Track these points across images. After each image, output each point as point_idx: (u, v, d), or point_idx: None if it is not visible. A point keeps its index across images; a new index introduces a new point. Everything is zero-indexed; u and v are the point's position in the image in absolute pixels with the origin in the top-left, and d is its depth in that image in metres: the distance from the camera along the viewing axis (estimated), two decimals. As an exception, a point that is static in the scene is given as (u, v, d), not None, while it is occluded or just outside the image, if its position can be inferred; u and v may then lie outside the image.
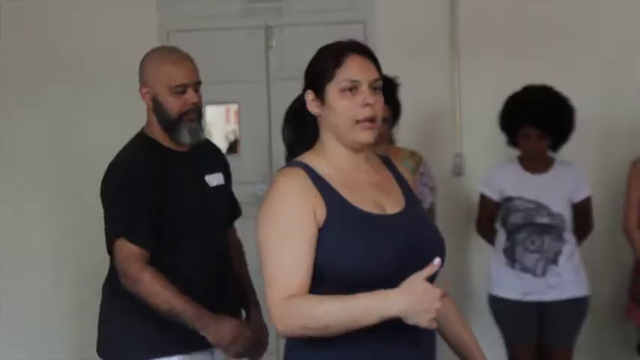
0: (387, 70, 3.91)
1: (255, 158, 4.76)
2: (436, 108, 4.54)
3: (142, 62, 2.52)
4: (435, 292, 1.64)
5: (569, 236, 3.60)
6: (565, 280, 3.56)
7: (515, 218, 3.59)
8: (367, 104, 1.83)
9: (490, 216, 3.74)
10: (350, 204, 1.82)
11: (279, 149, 5.14)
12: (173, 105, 2.42)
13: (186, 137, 2.44)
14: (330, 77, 1.85)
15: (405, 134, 3.93)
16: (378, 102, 1.86)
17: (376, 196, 1.88)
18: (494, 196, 3.68)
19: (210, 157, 2.57)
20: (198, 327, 2.24)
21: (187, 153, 2.48)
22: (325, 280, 1.76)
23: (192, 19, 4.79)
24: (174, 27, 4.79)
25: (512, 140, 3.70)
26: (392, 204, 1.89)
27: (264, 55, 4.77)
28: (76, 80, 4.78)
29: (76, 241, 4.80)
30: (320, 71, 1.87)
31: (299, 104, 1.95)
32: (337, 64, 1.85)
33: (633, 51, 4.35)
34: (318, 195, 1.80)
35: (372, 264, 1.74)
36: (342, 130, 1.85)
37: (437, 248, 1.86)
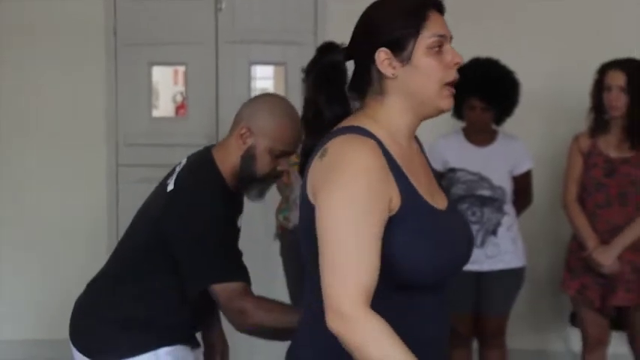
0: (337, 37, 3.93)
1: (202, 120, 4.72)
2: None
3: (258, 102, 2.35)
4: None
5: (508, 208, 3.66)
6: (503, 250, 3.63)
7: (458, 189, 3.64)
8: (457, 63, 1.63)
9: (433, 186, 3.78)
10: (418, 194, 1.60)
11: (226, 111, 5.15)
12: (265, 166, 2.29)
13: (252, 197, 2.36)
14: (417, 31, 1.60)
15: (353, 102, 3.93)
16: (462, 59, 1.65)
17: (429, 184, 1.68)
18: (438, 167, 3.72)
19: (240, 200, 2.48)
20: None
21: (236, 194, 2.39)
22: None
23: (140, -22, 4.71)
24: (122, -16, 4.71)
25: (458, 112, 3.73)
26: (439, 195, 1.70)
27: (213, 17, 4.71)
28: (23, 47, 4.68)
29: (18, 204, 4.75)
30: (404, 25, 1.60)
31: (330, 67, 1.73)
32: (424, 16, 1.61)
33: (581, 29, 4.41)
34: (392, 178, 1.55)
35: (434, 267, 1.57)
36: (427, 94, 1.62)
37: (470, 250, 1.71)
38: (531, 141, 3.99)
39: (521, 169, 3.71)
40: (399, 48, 1.61)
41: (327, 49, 4.20)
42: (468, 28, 4.37)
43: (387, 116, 1.64)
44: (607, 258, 3.44)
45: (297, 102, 4.14)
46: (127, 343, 2.31)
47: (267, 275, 4.34)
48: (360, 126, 1.61)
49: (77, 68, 4.71)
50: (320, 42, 4.24)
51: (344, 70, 1.70)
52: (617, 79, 3.44)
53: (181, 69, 4.99)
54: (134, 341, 2.31)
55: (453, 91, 1.64)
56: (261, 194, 2.36)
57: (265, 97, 2.44)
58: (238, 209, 2.41)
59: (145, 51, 4.73)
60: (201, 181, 2.27)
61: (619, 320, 3.58)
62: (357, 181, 1.49)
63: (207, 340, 2.63)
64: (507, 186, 3.65)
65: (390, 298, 1.53)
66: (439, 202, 1.67)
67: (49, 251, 4.73)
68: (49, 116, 4.74)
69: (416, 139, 1.76)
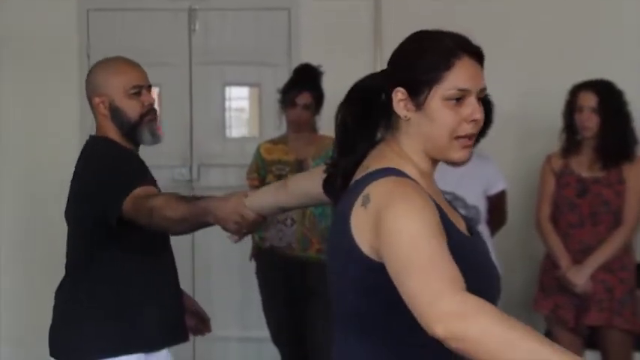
0: (310, 59, 3.97)
1: (175, 142, 4.70)
2: (358, 98, 4.57)
3: (90, 75, 2.49)
4: None
5: (483, 228, 3.68)
6: (478, 270, 3.65)
7: (432, 209, 3.65)
8: (474, 120, 1.54)
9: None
10: (457, 228, 1.57)
11: (201, 133, 5.13)
12: (132, 108, 2.42)
13: (148, 139, 2.45)
14: (435, 80, 1.52)
15: (325, 121, 3.95)
16: (482, 116, 1.56)
17: (454, 215, 1.63)
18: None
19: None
20: (211, 221, 2.09)
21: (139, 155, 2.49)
22: None
23: (113, -2, 4.70)
24: (94, 6, 4.69)
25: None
26: (462, 224, 1.64)
27: (187, 39, 4.71)
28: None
29: None
30: (424, 69, 1.53)
31: (369, 91, 1.62)
32: (448, 65, 1.52)
33: (553, 51, 4.46)
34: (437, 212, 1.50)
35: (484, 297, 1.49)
36: (436, 142, 1.55)
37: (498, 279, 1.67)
38: (505, 161, 4.02)
39: (495, 190, 3.74)
40: (415, 92, 1.54)
41: (304, 71, 4.24)
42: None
43: (409, 155, 1.59)
44: (580, 277, 3.47)
45: (272, 122, 4.15)
46: (94, 344, 2.32)
47: (243, 295, 4.33)
48: (392, 167, 1.55)
49: (50, 90, 4.68)
50: (294, 63, 4.26)
51: (376, 97, 1.62)
52: (589, 100, 3.49)
53: (155, 90, 4.97)
54: (108, 343, 2.32)
55: (469, 143, 1.56)
56: (153, 136, 2.45)
57: (90, 70, 2.55)
58: (147, 168, 2.49)
59: (119, 72, 4.71)
60: (92, 149, 2.45)
61: (592, 339, 3.60)
62: (418, 207, 1.43)
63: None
64: (481, 205, 3.67)
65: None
66: (462, 228, 1.62)
67: (22, 270, 4.67)
68: (21, 137, 4.70)
69: None
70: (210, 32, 4.71)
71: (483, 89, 1.57)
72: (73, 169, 4.73)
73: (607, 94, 3.49)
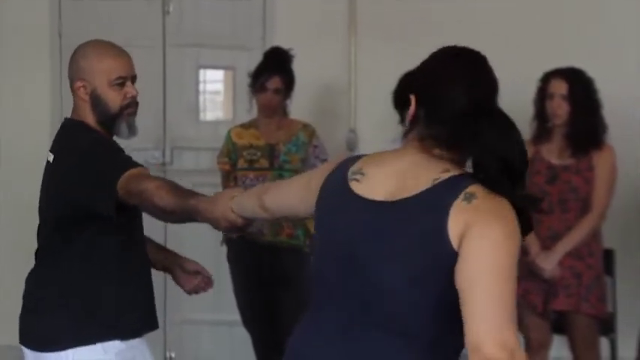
0: (285, 43, 3.96)
1: (148, 124, 4.67)
2: (332, 83, 4.57)
3: (74, 56, 2.42)
4: None
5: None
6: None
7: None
8: None
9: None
10: None
11: (174, 115, 5.09)
12: (114, 99, 2.37)
13: (124, 132, 2.41)
14: None
15: (300, 107, 3.96)
16: None
17: None
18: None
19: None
20: (199, 221, 2.12)
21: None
22: None
23: (86, -20, 4.66)
24: (67, -14, 4.65)
25: (405, 118, 3.76)
26: None
27: (161, 21, 4.68)
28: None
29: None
30: None
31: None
32: None
33: (524, 41, 4.47)
34: None
35: None
36: None
37: None
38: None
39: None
40: None
41: (274, 55, 4.21)
42: (417, 35, 4.43)
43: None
44: (548, 263, 3.51)
45: (245, 106, 4.14)
46: (70, 332, 2.31)
47: (215, 278, 4.33)
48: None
49: (21, 71, 4.64)
50: (269, 47, 4.24)
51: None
52: (560, 87, 3.52)
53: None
54: (77, 330, 2.32)
55: None
56: (130, 129, 2.41)
57: (76, 49, 2.46)
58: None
59: (91, 53, 4.67)
60: (72, 134, 2.39)
61: (560, 324, 3.65)
62: (517, 237, 1.60)
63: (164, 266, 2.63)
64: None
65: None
66: None
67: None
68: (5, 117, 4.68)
69: None
70: (184, 14, 4.68)
71: None
72: (44, 152, 4.69)
73: (577, 81, 3.52)
